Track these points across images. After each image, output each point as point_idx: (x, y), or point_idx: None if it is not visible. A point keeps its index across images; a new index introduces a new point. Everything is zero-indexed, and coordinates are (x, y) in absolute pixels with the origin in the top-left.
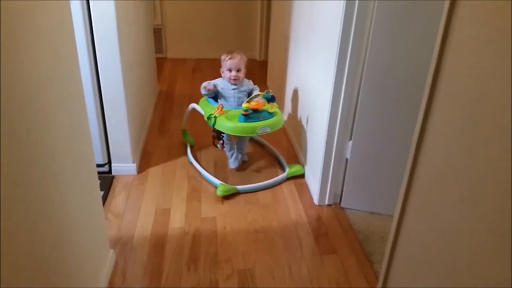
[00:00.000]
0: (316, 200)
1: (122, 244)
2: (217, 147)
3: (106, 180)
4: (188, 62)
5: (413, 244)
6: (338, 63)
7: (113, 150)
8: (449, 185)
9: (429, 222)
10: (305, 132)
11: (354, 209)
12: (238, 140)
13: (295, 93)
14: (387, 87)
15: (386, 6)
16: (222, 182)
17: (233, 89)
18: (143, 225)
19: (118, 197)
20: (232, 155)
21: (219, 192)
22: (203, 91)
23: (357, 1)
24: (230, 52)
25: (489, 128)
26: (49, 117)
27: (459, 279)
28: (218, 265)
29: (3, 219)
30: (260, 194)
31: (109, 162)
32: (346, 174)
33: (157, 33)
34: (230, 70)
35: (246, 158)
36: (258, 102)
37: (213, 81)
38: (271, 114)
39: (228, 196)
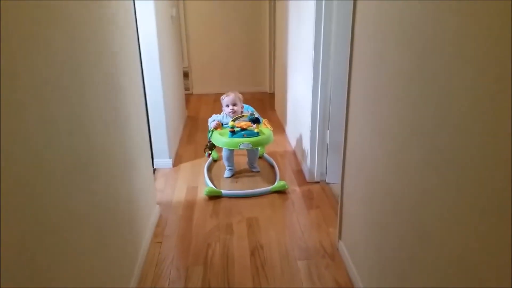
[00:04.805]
0: (307, 178)
1: (163, 205)
2: (204, 153)
3: None
4: (210, 96)
5: (352, 188)
6: (313, 76)
7: (155, 147)
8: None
9: (359, 172)
10: (298, 130)
11: (336, 183)
12: (248, 155)
13: (291, 105)
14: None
15: (343, 30)
16: (212, 186)
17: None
18: (178, 195)
19: (159, 180)
20: (227, 167)
21: (205, 192)
22: (211, 127)
23: (322, 28)
24: (226, 92)
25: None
26: (129, 116)
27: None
28: (232, 215)
29: (97, 184)
30: (267, 176)
31: (152, 158)
32: (328, 156)
33: (185, 73)
34: (227, 106)
35: (257, 170)
36: (246, 123)
37: (217, 119)
38: (255, 134)
39: (239, 177)
